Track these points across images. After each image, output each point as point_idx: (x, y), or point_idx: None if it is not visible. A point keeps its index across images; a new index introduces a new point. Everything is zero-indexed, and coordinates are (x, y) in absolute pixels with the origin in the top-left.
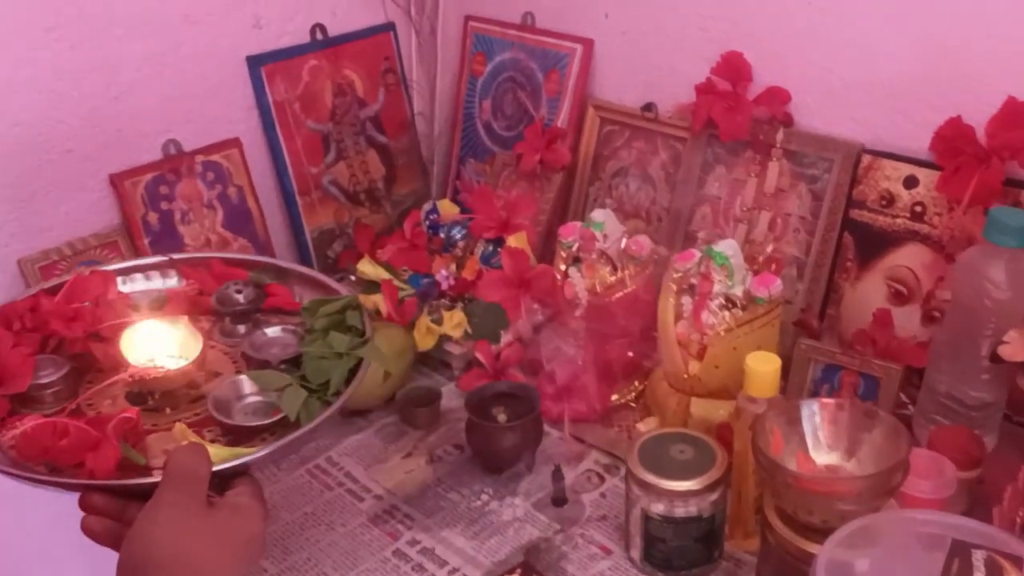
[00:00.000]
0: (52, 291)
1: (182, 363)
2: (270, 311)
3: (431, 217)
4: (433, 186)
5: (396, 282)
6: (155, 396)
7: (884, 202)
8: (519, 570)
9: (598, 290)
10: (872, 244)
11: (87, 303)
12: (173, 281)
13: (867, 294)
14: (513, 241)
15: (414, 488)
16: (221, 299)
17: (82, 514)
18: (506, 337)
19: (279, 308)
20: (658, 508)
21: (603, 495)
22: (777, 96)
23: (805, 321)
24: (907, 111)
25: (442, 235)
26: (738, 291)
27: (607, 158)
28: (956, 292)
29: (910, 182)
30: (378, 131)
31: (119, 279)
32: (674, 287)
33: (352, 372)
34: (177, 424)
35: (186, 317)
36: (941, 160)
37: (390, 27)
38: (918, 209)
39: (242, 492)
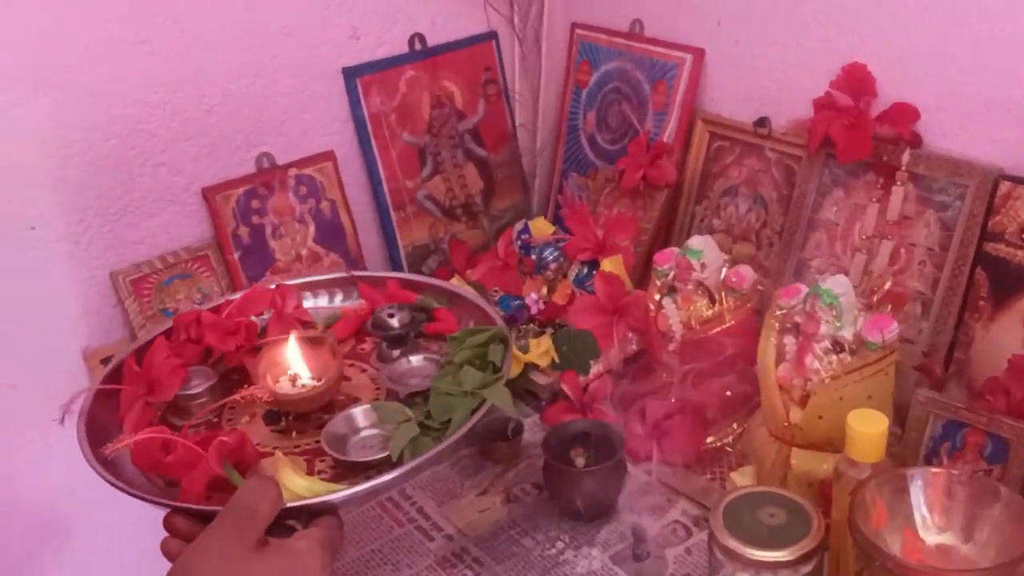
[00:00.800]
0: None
1: (315, 385)
2: (432, 337)
3: (523, 237)
4: (534, 200)
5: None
6: (289, 417)
7: None
8: None
9: (693, 324)
10: (1009, 282)
11: (255, 317)
12: (352, 300)
13: (1001, 338)
14: (608, 265)
15: (487, 529)
16: (376, 323)
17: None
18: (595, 368)
19: (440, 334)
20: None
21: (689, 551)
22: (904, 113)
23: (928, 367)
24: None
25: (533, 256)
26: (847, 334)
27: (716, 176)
28: None
29: None
30: (477, 144)
31: (303, 293)
32: (776, 325)
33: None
34: (278, 453)
35: (332, 337)
36: None
37: (492, 36)
38: None
39: (308, 536)
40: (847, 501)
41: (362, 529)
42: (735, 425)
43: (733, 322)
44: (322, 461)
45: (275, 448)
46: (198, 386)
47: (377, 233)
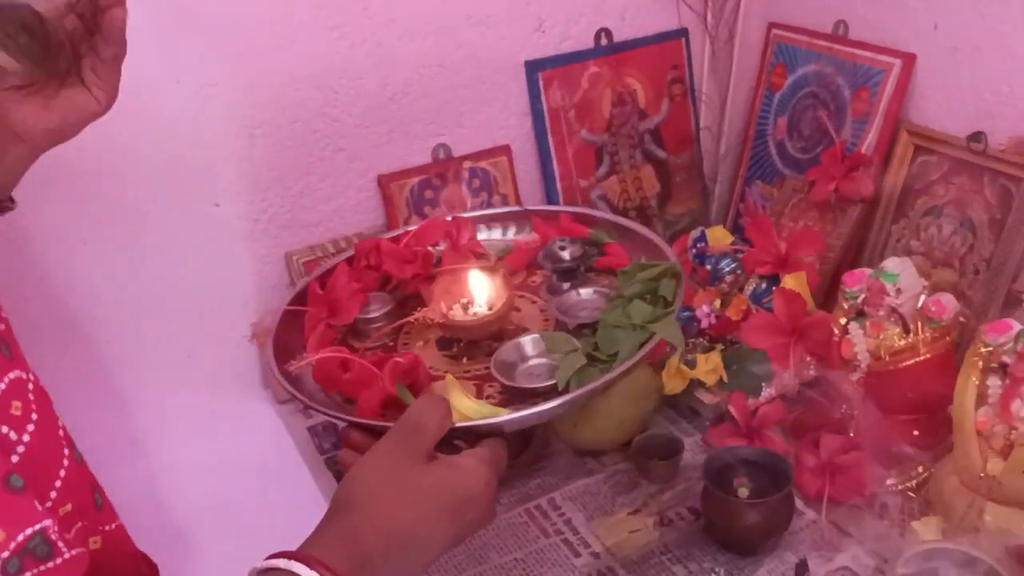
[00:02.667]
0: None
1: (486, 313)
2: (602, 271)
3: (698, 246)
4: (713, 207)
5: None
6: (460, 344)
7: None
8: None
9: (882, 354)
10: None
11: (431, 247)
12: (524, 233)
13: None
14: (790, 282)
15: (635, 551)
16: (547, 255)
17: None
18: (767, 391)
19: (611, 268)
20: None
21: None
22: None
23: None
24: None
25: (708, 267)
26: None
27: (918, 193)
28: None
29: None
30: (657, 145)
31: (478, 226)
32: (979, 364)
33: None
34: (448, 376)
35: (504, 268)
36: None
37: (682, 33)
38: None
39: (474, 454)
40: None
41: (508, 535)
42: (920, 469)
43: (928, 355)
44: (490, 386)
45: (446, 372)
46: (376, 310)
47: None
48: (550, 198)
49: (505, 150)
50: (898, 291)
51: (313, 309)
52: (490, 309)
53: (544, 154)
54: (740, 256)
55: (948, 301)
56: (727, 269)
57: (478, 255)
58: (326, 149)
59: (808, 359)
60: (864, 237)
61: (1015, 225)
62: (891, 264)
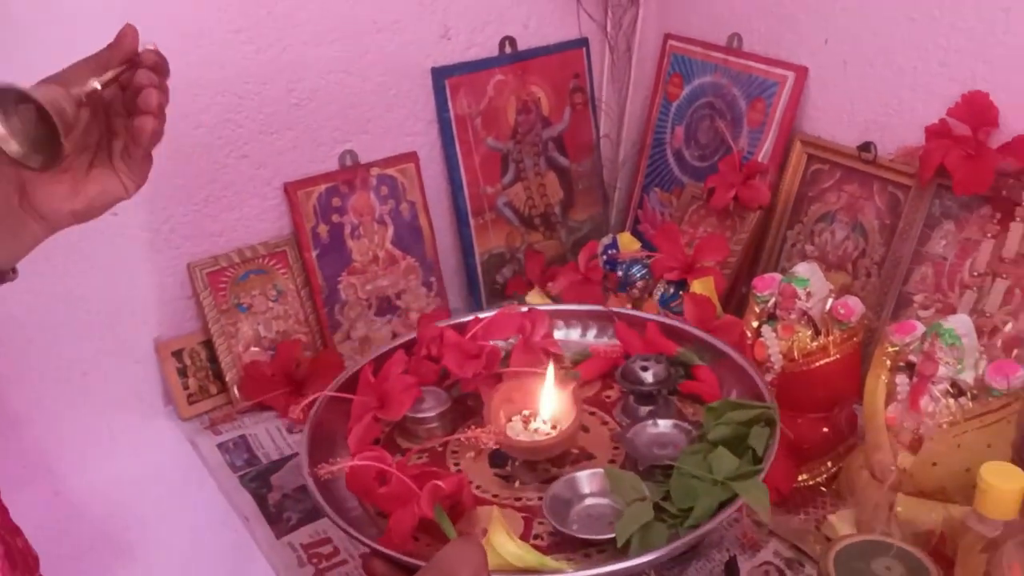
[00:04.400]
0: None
1: (544, 436)
2: (688, 397)
3: (609, 252)
4: (612, 214)
5: None
6: (515, 463)
7: None
8: None
9: (795, 355)
10: None
11: (501, 342)
12: (606, 337)
13: None
14: (698, 287)
15: None
16: (626, 374)
17: None
18: None
19: (697, 396)
20: None
21: None
22: None
23: None
24: None
25: (619, 272)
26: (968, 377)
27: (812, 200)
28: None
29: None
30: (560, 152)
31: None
32: (888, 363)
33: (724, 507)
34: (494, 509)
35: (576, 378)
36: None
37: (583, 43)
38: None
39: None
40: (976, 560)
41: None
42: (829, 464)
43: (838, 356)
44: (540, 523)
45: (495, 496)
46: (429, 409)
47: (454, 238)
48: (457, 205)
49: (412, 157)
50: (808, 295)
51: (361, 397)
52: (554, 428)
53: (451, 161)
54: (649, 262)
55: (855, 304)
56: (638, 275)
57: (552, 355)
58: (230, 156)
59: None
60: (761, 243)
61: (904, 230)
62: (801, 269)
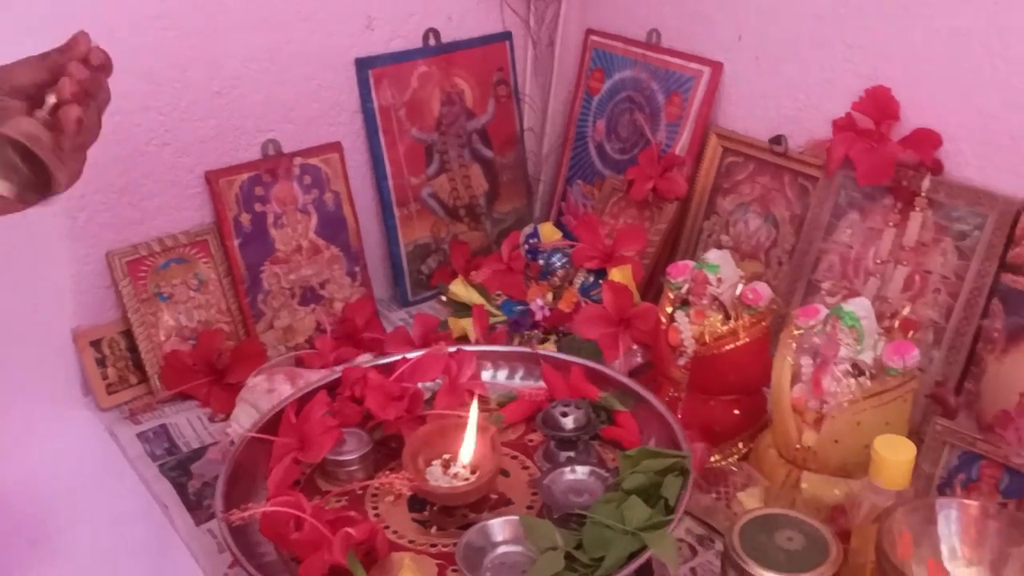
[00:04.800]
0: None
1: (463, 481)
2: (608, 442)
3: (531, 241)
4: (537, 206)
5: (488, 307)
6: (432, 508)
7: None
8: None
9: (707, 339)
10: None
11: (428, 383)
12: (533, 379)
13: (1014, 371)
14: (617, 275)
15: None
16: (546, 419)
17: None
18: None
19: (617, 443)
20: None
21: (693, 571)
22: (926, 139)
23: (941, 396)
24: None
25: (540, 261)
26: (867, 358)
27: (727, 192)
28: None
29: None
30: (484, 144)
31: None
32: (793, 345)
33: (635, 557)
34: (406, 559)
35: (494, 429)
36: None
37: (506, 36)
38: None
39: None
40: (869, 529)
41: None
42: (740, 445)
43: (747, 340)
44: (455, 571)
45: (411, 542)
46: (350, 452)
47: (379, 229)
48: (382, 195)
49: (336, 147)
50: (719, 280)
51: (282, 439)
52: (473, 472)
53: (376, 152)
54: (570, 251)
55: (763, 289)
56: (559, 264)
57: (477, 397)
58: (150, 144)
59: (635, 347)
60: (678, 233)
61: (813, 220)
62: (712, 256)
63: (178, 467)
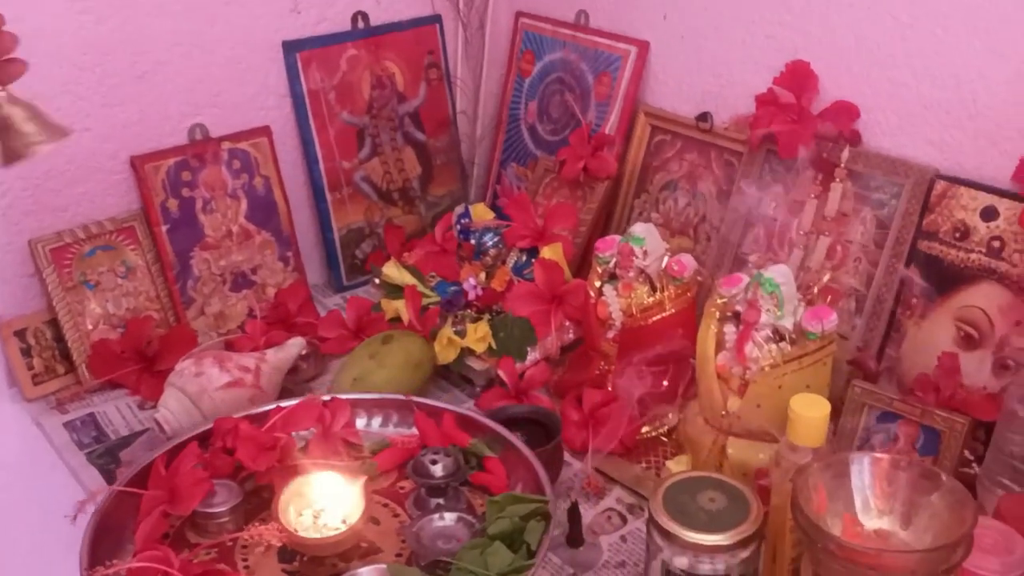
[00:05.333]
0: None
1: (333, 531)
2: (478, 488)
3: (462, 221)
4: (472, 189)
5: (421, 288)
6: (303, 558)
7: (958, 234)
8: None
9: (634, 311)
10: (942, 280)
11: (302, 432)
12: (405, 426)
13: (933, 335)
14: (548, 252)
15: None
16: (416, 467)
17: None
18: (532, 355)
19: (486, 488)
20: (681, 562)
21: (624, 539)
22: (845, 111)
23: (861, 361)
24: (992, 136)
25: (473, 241)
26: (788, 323)
27: (656, 169)
28: None
29: (989, 214)
30: (417, 128)
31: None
32: (716, 314)
33: None
34: None
35: (364, 479)
36: None
37: (436, 19)
38: (996, 244)
39: None
40: (787, 487)
41: None
42: (670, 415)
43: (673, 310)
44: None
45: None
46: (220, 504)
47: (311, 213)
48: (313, 180)
49: (265, 131)
50: (645, 253)
51: (151, 492)
52: (343, 522)
53: (306, 136)
54: (502, 231)
55: (688, 260)
56: (490, 243)
57: (350, 445)
58: (71, 129)
59: (567, 323)
60: (610, 211)
61: (737, 195)
62: (637, 229)
63: (106, 454)
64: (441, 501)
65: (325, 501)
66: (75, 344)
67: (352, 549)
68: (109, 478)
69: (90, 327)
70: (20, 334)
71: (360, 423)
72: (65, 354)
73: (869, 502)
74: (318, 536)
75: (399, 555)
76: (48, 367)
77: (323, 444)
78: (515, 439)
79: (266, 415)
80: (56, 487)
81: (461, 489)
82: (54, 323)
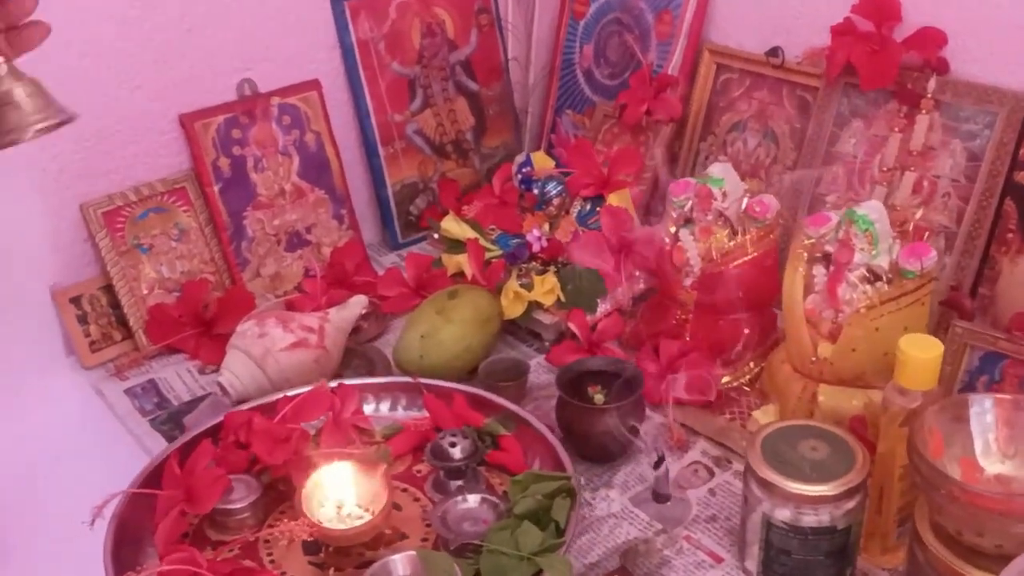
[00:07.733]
0: None
1: (358, 521)
2: (495, 467)
3: (524, 171)
4: (526, 139)
5: (483, 242)
6: (328, 549)
7: None
8: (615, 575)
9: (714, 256)
10: None
11: (312, 421)
12: (415, 409)
13: None
14: (615, 199)
15: None
16: (435, 451)
17: None
18: (603, 307)
19: (503, 467)
20: (783, 515)
21: (712, 492)
22: (931, 38)
23: (955, 300)
24: None
25: (535, 191)
26: (883, 262)
27: (723, 110)
28: None
29: None
30: (469, 77)
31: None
32: (804, 255)
33: None
34: None
35: (386, 456)
36: None
37: None
38: None
39: None
40: (896, 433)
41: None
42: (752, 364)
43: (755, 254)
44: None
45: None
46: (239, 500)
47: (364, 169)
48: (365, 135)
49: (315, 84)
50: (724, 195)
51: (167, 492)
52: (367, 510)
53: (356, 89)
54: (565, 179)
55: (770, 200)
56: (553, 192)
57: (362, 431)
58: (121, 88)
59: (637, 273)
60: (675, 156)
61: (815, 132)
62: (715, 170)
63: (169, 420)
64: (461, 483)
65: (344, 490)
66: (131, 310)
67: (378, 537)
68: None
69: (145, 292)
70: (76, 301)
71: (368, 408)
72: (121, 320)
73: (991, 446)
74: (344, 527)
75: (425, 540)
76: (105, 334)
77: (334, 432)
78: (530, 416)
79: (274, 406)
80: (122, 455)
81: (478, 469)
82: (109, 289)
